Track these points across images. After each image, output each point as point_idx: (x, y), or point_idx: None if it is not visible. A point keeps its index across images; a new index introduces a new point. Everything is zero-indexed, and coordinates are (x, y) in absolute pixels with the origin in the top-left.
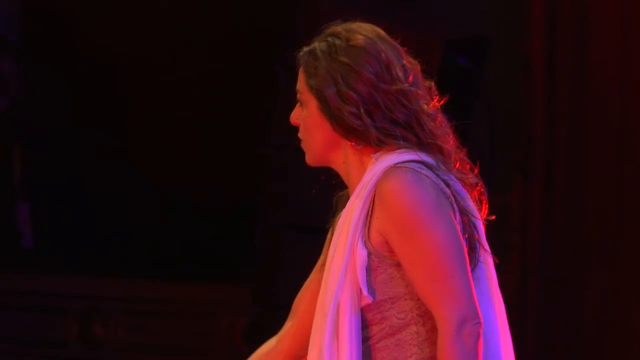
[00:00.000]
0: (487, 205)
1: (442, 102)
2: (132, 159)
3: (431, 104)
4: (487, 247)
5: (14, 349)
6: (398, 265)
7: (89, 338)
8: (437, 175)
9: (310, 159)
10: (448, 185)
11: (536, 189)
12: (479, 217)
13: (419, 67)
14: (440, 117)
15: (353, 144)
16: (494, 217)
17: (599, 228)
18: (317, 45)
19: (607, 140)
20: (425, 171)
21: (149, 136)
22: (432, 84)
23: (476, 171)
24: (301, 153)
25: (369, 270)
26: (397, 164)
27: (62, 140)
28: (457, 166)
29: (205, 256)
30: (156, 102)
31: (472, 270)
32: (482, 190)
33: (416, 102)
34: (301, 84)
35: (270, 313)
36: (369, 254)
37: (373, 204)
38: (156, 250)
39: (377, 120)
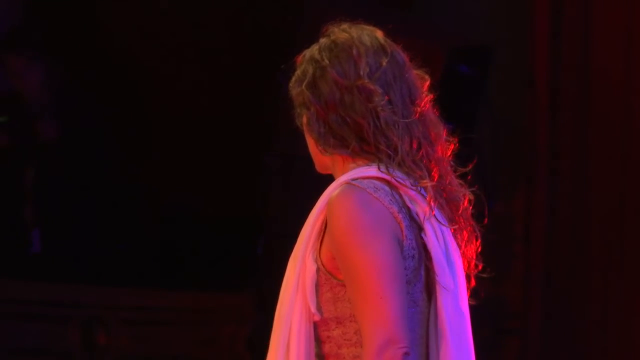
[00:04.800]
0: (481, 215)
1: (427, 106)
2: (136, 168)
3: (419, 108)
4: (441, 267)
5: (17, 358)
6: (344, 285)
7: (92, 347)
8: (394, 196)
9: (317, 167)
10: (404, 207)
11: (539, 198)
12: (448, 225)
13: (426, 82)
14: (429, 122)
15: (323, 151)
16: (485, 223)
17: (603, 237)
18: (313, 45)
19: (610, 150)
20: (378, 193)
21: (153, 145)
22: (430, 93)
23: (469, 178)
24: (304, 161)
25: (317, 286)
26: (352, 180)
27: (71, 149)
28: (435, 177)
29: (209, 265)
30: (160, 111)
31: (419, 291)
32: (471, 199)
33: (380, 101)
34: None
35: (273, 322)
36: (317, 270)
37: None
38: (159, 259)
39: (334, 125)
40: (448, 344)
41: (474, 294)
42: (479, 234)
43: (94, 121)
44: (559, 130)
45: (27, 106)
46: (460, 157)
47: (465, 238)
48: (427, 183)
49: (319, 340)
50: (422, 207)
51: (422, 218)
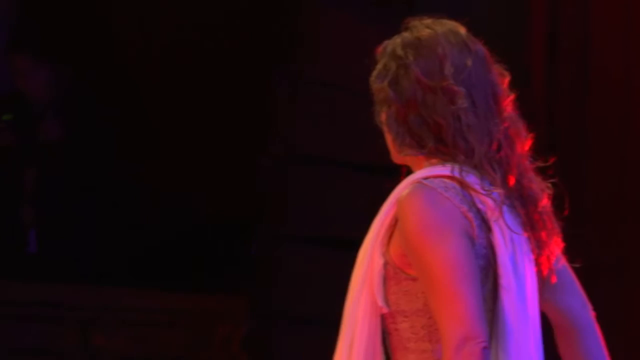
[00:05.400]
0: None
1: (509, 106)
2: (133, 169)
3: (501, 108)
4: (505, 269)
5: (15, 359)
6: (415, 280)
7: (89, 348)
8: (464, 195)
9: (393, 158)
10: (474, 207)
11: None
12: (521, 233)
13: (506, 78)
14: (510, 119)
15: (398, 151)
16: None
17: (601, 236)
18: (394, 38)
19: (608, 150)
20: (449, 192)
21: (149, 146)
22: (513, 95)
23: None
24: (299, 163)
25: (385, 280)
26: (423, 178)
27: (69, 150)
28: (512, 179)
29: (204, 266)
30: (156, 112)
31: (488, 291)
32: (550, 194)
33: (463, 103)
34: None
35: (268, 323)
36: (385, 264)
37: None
38: (155, 260)
39: (413, 124)
40: (507, 346)
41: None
42: (559, 229)
43: (97, 122)
44: (556, 130)
45: (31, 106)
46: None
47: (544, 237)
48: (498, 190)
49: (386, 333)
50: (491, 209)
51: (490, 219)
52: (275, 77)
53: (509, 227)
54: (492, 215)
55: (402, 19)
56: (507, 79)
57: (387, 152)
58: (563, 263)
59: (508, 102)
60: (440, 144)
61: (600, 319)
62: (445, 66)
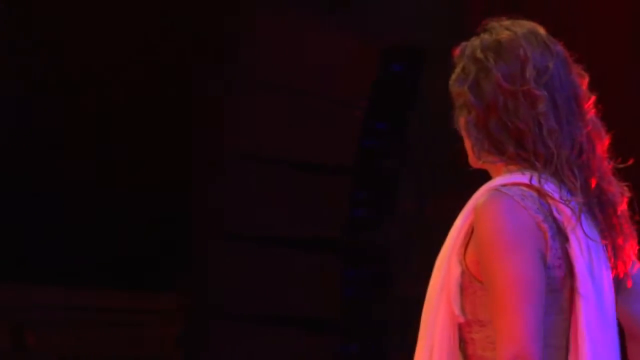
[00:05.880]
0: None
1: (591, 108)
2: (68, 167)
3: (583, 110)
4: (582, 277)
5: None
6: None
7: (22, 348)
8: (542, 204)
9: (470, 161)
10: (550, 216)
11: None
12: (598, 240)
13: (585, 79)
14: (591, 122)
15: (477, 158)
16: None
17: None
18: (472, 40)
19: None
20: (525, 201)
21: (85, 144)
22: (593, 97)
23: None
24: (235, 161)
25: (462, 289)
26: (501, 185)
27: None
28: (593, 184)
29: (140, 264)
30: (93, 112)
31: (564, 300)
32: (628, 198)
33: (545, 108)
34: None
35: (204, 321)
36: (462, 273)
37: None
38: (90, 259)
39: (494, 129)
40: (585, 354)
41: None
42: (635, 234)
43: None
44: None
45: None
46: (393, 155)
47: (621, 241)
48: (577, 198)
49: (463, 342)
50: (567, 218)
51: (567, 228)
52: (209, 80)
53: (586, 235)
54: (568, 224)
55: (338, 17)
56: (586, 80)
57: (325, 150)
58: (639, 267)
59: (590, 104)
60: (520, 149)
61: None
62: (526, 70)
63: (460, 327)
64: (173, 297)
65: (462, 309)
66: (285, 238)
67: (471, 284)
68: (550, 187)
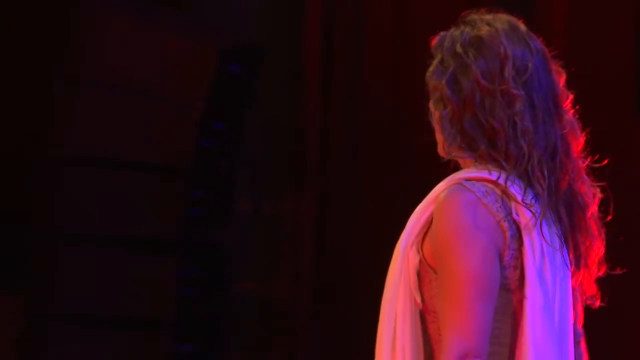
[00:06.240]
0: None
1: (569, 108)
2: None
3: (561, 110)
4: (531, 280)
5: None
6: None
7: None
8: (504, 202)
9: (439, 151)
10: (510, 217)
11: (309, 197)
12: (557, 246)
13: (563, 77)
14: (567, 121)
15: (447, 153)
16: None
17: (374, 234)
18: (451, 32)
19: (381, 146)
20: (488, 198)
21: None
22: (571, 95)
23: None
24: (73, 163)
25: (419, 277)
26: (464, 179)
27: None
28: (562, 187)
29: None
30: None
31: (517, 301)
32: (599, 198)
33: (521, 108)
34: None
35: (42, 323)
36: (420, 261)
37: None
38: None
39: (467, 125)
40: (526, 356)
41: (597, 298)
42: (604, 236)
43: None
44: (330, 128)
45: None
46: (228, 157)
47: (587, 245)
48: (542, 202)
49: (425, 327)
50: (526, 221)
51: (523, 231)
52: (52, 78)
53: (544, 240)
54: (525, 227)
55: (172, 16)
56: (564, 77)
57: (162, 151)
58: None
59: (567, 104)
60: (492, 149)
61: (371, 315)
62: (505, 68)
63: (422, 315)
64: (11, 298)
65: (422, 297)
66: (122, 238)
67: (427, 273)
68: (515, 189)
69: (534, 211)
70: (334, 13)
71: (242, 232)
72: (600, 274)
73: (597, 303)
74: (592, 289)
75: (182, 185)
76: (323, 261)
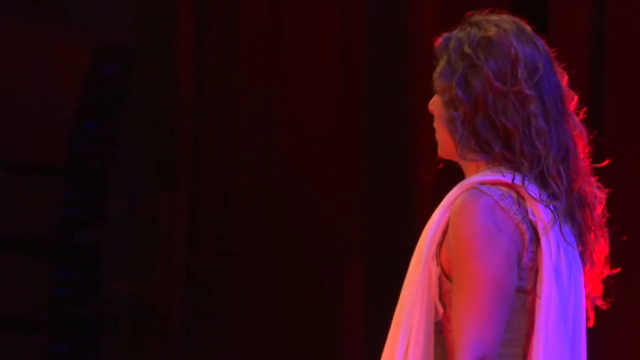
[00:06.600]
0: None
1: (582, 115)
2: None
3: (568, 110)
4: (547, 278)
5: None
6: None
7: None
8: (520, 205)
9: (439, 152)
10: (527, 218)
11: (182, 198)
12: (575, 244)
13: (566, 76)
14: (573, 122)
15: (461, 157)
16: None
17: (245, 233)
18: (455, 33)
19: (253, 148)
20: (505, 201)
21: None
22: (577, 96)
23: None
24: None
25: (439, 285)
26: (479, 183)
27: None
28: (576, 187)
29: None
30: None
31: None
32: (604, 200)
33: (535, 108)
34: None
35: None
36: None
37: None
38: None
39: (481, 128)
40: (538, 354)
41: (602, 298)
42: (607, 237)
43: None
44: (203, 129)
45: None
46: (102, 157)
47: (593, 245)
48: (560, 201)
49: (443, 337)
50: (543, 220)
51: (540, 231)
52: None
53: (564, 239)
54: (542, 226)
55: (45, 14)
56: (566, 79)
57: (35, 150)
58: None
59: (573, 105)
60: (507, 150)
61: (247, 316)
62: (518, 69)
63: (440, 323)
64: None
65: (442, 304)
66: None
67: (444, 282)
68: (532, 189)
69: (552, 210)
70: (207, 12)
71: (117, 233)
72: (605, 273)
73: (601, 302)
74: (599, 289)
75: (55, 185)
76: (194, 262)
